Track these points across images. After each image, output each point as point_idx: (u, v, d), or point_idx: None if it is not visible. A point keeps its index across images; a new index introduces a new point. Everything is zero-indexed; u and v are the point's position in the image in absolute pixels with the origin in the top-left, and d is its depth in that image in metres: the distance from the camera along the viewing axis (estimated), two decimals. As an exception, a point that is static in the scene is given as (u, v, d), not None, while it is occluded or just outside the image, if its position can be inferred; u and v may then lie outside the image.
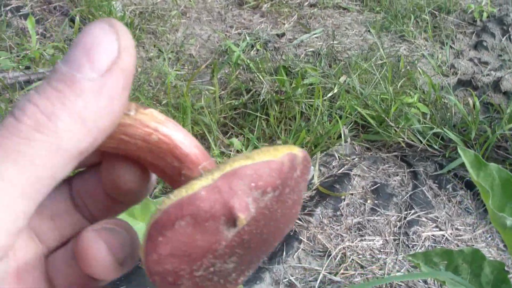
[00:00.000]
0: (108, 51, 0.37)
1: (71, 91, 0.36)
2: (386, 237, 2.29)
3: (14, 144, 0.35)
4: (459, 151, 1.28)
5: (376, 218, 2.38)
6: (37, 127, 0.35)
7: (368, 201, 2.47)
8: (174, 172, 0.44)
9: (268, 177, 0.40)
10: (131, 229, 0.45)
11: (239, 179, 0.39)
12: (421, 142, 2.76)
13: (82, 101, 0.36)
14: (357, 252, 2.19)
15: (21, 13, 3.63)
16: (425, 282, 2.07)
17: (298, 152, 0.43)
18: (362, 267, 2.13)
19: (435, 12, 4.20)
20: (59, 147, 0.36)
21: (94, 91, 0.37)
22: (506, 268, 1.29)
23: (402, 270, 2.13)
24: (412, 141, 2.78)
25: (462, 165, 2.61)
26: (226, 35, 3.75)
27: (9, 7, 3.64)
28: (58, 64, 0.38)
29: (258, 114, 2.79)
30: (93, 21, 0.39)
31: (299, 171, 0.44)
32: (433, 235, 2.33)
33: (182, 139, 0.43)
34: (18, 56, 3.15)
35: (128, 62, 0.39)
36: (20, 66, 3.07)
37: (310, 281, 2.04)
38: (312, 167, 2.57)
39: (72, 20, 3.49)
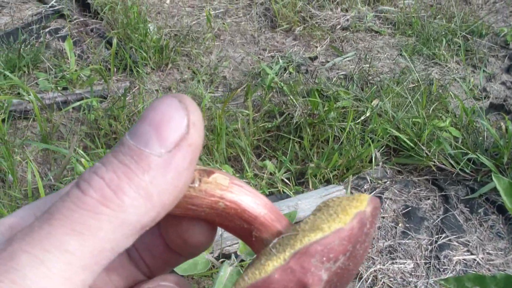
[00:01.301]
0: (177, 127, 0.38)
1: (138, 166, 0.37)
2: (417, 260, 2.31)
3: (80, 217, 0.35)
4: (494, 178, 1.30)
5: (407, 241, 2.40)
6: (103, 201, 0.35)
7: (400, 225, 2.48)
8: (245, 233, 0.45)
9: (339, 246, 0.41)
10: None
11: (310, 257, 0.40)
12: (453, 166, 2.77)
13: (149, 177, 0.37)
14: (388, 275, 2.21)
15: (59, 35, 3.73)
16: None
17: (367, 206, 0.44)
18: (393, 290, 2.15)
19: (467, 35, 4.21)
20: (123, 221, 0.36)
21: (161, 167, 0.37)
22: (538, 295, 1.30)
23: (433, 294, 2.15)
24: (444, 164, 2.79)
25: (494, 189, 2.62)
26: (259, 57, 3.80)
27: (48, 29, 3.74)
28: (125, 137, 0.38)
29: (291, 136, 2.82)
30: (162, 96, 0.39)
31: (369, 224, 0.44)
32: (464, 259, 2.34)
33: (249, 202, 0.44)
34: (56, 77, 3.24)
35: (196, 137, 0.39)
36: (58, 87, 3.15)
37: (341, 303, 2.06)
38: (344, 190, 2.60)
39: (109, 42, 3.58)
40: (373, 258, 2.29)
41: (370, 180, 2.72)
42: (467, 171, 2.76)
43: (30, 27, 3.73)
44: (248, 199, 0.44)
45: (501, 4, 4.81)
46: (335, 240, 0.41)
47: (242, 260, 1.82)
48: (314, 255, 0.40)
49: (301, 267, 0.40)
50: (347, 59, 3.83)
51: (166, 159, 0.37)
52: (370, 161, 2.77)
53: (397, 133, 2.83)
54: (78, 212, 0.35)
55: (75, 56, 3.45)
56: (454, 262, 2.32)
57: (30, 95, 2.82)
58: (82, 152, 2.47)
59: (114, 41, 3.36)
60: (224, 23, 4.16)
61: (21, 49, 3.30)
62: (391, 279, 2.20)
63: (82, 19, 3.92)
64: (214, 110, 2.95)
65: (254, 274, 0.40)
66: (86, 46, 3.62)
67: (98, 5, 3.98)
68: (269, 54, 3.88)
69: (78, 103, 2.98)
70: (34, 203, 0.43)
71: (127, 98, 3.07)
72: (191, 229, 0.45)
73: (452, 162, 2.78)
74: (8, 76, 3.04)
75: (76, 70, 3.28)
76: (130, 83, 3.31)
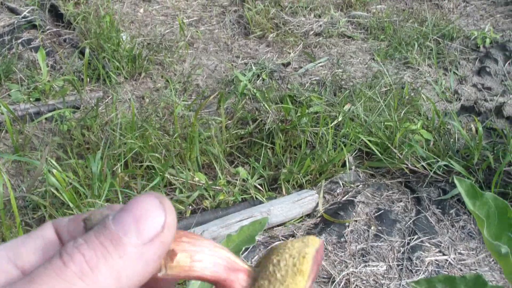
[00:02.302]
0: (154, 225, 0.42)
1: (115, 250, 0.41)
2: (389, 262, 2.33)
3: (58, 285, 0.38)
4: (455, 180, 1.32)
5: (379, 244, 2.42)
6: (81, 275, 0.39)
7: (372, 227, 2.51)
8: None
9: None
10: None
11: None
12: (425, 168, 2.80)
13: (123, 262, 0.40)
14: (361, 278, 2.23)
15: (31, 45, 3.72)
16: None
17: (315, 251, 0.49)
18: (366, 292, 2.17)
19: (438, 39, 4.26)
20: None
21: (135, 256, 0.41)
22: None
23: (405, 295, 2.17)
24: (416, 167, 2.82)
25: (466, 190, 2.64)
26: (232, 65, 3.82)
27: (20, 40, 3.73)
28: (109, 221, 0.42)
29: (264, 143, 2.84)
30: (146, 194, 0.44)
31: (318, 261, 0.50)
32: (436, 260, 2.37)
33: (210, 272, 0.48)
34: (28, 89, 3.23)
35: (168, 237, 0.43)
36: (31, 99, 3.14)
37: (314, 307, 2.07)
38: (316, 194, 2.61)
39: (82, 52, 3.57)
40: (345, 262, 2.30)
41: (342, 184, 2.74)
42: (439, 172, 2.79)
43: (2, 38, 3.72)
44: (209, 270, 0.48)
45: (471, 8, 4.87)
46: None
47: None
48: None
49: None
50: (320, 64, 3.86)
51: (140, 250, 0.42)
52: (343, 165, 2.79)
53: (366, 140, 2.85)
54: (58, 281, 0.39)
55: (48, 66, 3.45)
56: (426, 263, 2.34)
57: (1, 107, 2.82)
58: (54, 163, 2.47)
59: (87, 51, 3.36)
60: (197, 31, 4.17)
61: (-7, 61, 3.29)
62: (364, 281, 2.22)
63: (55, 29, 3.92)
64: (186, 118, 2.96)
65: None
66: (59, 57, 3.61)
67: (71, 15, 3.98)
68: (242, 61, 3.89)
69: (50, 114, 2.98)
70: (8, 244, 0.46)
71: (100, 108, 3.07)
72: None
73: (424, 164, 2.81)
74: (-21, 88, 3.04)
75: (49, 81, 3.27)
76: (103, 93, 3.31)
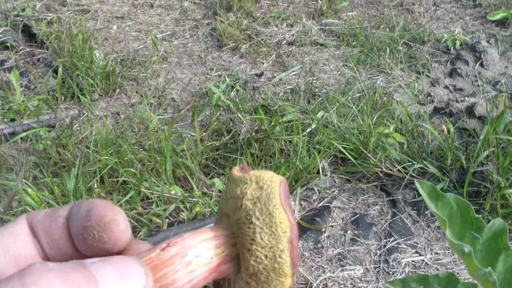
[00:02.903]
0: (135, 285, 0.42)
1: (86, 285, 0.39)
2: (366, 265, 2.35)
3: None
4: (416, 184, 1.34)
5: (356, 248, 2.44)
6: None
7: (348, 232, 2.53)
8: None
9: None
10: None
11: None
12: (400, 171, 2.83)
13: None
14: (338, 282, 2.25)
15: (5, 66, 3.72)
16: (407, 307, 2.11)
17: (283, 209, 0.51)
18: (343, 296, 2.18)
19: (410, 43, 4.30)
20: None
21: None
22: (479, 289, 1.34)
23: (383, 297, 2.18)
24: (391, 170, 2.85)
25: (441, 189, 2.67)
26: (206, 77, 3.84)
27: (-7, 62, 3.73)
28: (87, 263, 0.41)
29: (238, 155, 2.86)
30: (131, 257, 0.44)
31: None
32: (413, 261, 2.39)
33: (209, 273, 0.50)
34: (3, 109, 3.23)
35: None
36: (5, 119, 3.14)
37: (292, 313, 2.08)
38: (292, 202, 2.63)
39: (56, 71, 3.57)
40: (322, 267, 2.32)
41: (318, 190, 2.76)
42: (414, 175, 2.81)
43: (-26, 61, 3.72)
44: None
45: (441, 11, 4.93)
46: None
47: None
48: None
49: None
50: (293, 73, 3.89)
51: None
52: (318, 172, 2.82)
53: (339, 146, 2.88)
54: None
55: (22, 86, 3.45)
56: (403, 265, 2.37)
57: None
58: (29, 183, 2.47)
59: (60, 69, 3.36)
60: (171, 45, 4.19)
61: (-34, 84, 3.29)
62: (342, 286, 2.24)
63: (28, 49, 3.92)
64: (162, 132, 2.98)
65: None
66: (33, 76, 3.62)
67: (44, 34, 3.99)
68: (216, 73, 3.91)
69: (25, 134, 2.99)
70: None
71: (75, 126, 3.08)
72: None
73: (398, 167, 2.84)
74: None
75: (23, 101, 3.28)
76: (78, 111, 3.32)
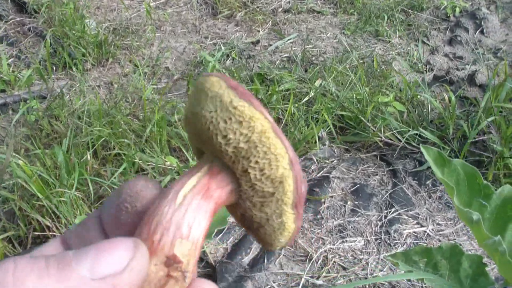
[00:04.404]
0: (114, 262, 0.38)
1: (56, 273, 0.36)
2: (367, 237, 2.30)
3: None
4: (422, 149, 1.29)
5: (357, 219, 2.39)
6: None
7: (348, 203, 2.48)
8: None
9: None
10: None
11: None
12: (400, 140, 2.77)
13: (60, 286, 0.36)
14: (339, 254, 2.20)
15: (-6, 36, 3.63)
16: (409, 279, 2.08)
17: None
18: (344, 268, 2.14)
19: (408, 10, 4.23)
20: None
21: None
22: (484, 261, 1.29)
23: (384, 269, 2.14)
24: (391, 139, 2.79)
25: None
26: (201, 46, 3.76)
27: (-18, 32, 3.65)
28: (71, 252, 0.38)
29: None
30: (126, 237, 0.40)
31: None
32: (414, 232, 2.35)
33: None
34: (-8, 80, 3.16)
35: (127, 282, 0.38)
36: (-5, 90, 3.07)
37: (292, 286, 2.04)
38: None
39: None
40: (322, 239, 2.27)
41: (317, 160, 2.70)
42: (414, 144, 2.76)
43: (-37, 31, 3.63)
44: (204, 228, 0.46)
45: (440, -23, 4.85)
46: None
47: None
48: None
49: None
50: (290, 41, 3.82)
51: (85, 284, 0.37)
52: (317, 142, 2.76)
53: (340, 112, 2.82)
54: None
55: (13, 56, 3.37)
56: (404, 236, 2.32)
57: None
58: (21, 156, 2.41)
59: (48, 38, 3.28)
60: (164, 14, 4.11)
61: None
62: (342, 258, 2.19)
63: (18, 18, 3.83)
64: (156, 102, 2.91)
65: None
66: (23, 46, 3.53)
67: (35, 3, 3.89)
68: (211, 42, 3.84)
69: (17, 106, 2.92)
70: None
71: (68, 97, 3.01)
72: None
73: (398, 136, 2.78)
74: None
75: (13, 72, 3.20)
76: (70, 81, 3.24)
